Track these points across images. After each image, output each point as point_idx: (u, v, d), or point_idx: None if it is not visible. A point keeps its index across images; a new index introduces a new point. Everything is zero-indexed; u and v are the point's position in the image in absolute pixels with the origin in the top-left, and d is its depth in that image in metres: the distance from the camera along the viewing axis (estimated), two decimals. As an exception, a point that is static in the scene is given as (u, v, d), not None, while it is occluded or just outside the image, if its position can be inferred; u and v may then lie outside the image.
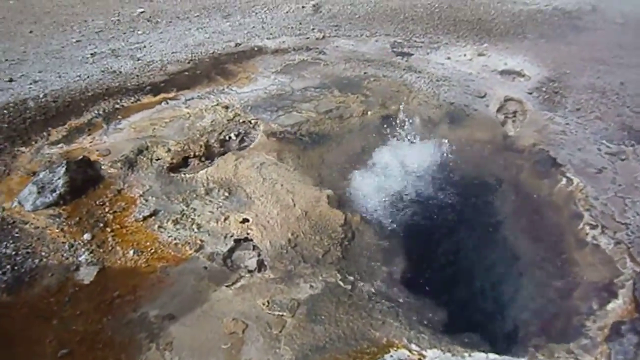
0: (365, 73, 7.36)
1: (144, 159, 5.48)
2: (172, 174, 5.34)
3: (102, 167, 5.31)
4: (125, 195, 4.98)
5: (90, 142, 5.70)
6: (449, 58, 7.87)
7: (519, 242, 4.97)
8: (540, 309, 4.27)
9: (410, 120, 6.20)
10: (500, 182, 5.65)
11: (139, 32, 8.88)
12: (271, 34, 8.84)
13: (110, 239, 4.45)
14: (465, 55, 7.96)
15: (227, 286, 4.07)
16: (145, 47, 8.22)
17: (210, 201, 4.94)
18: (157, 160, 5.52)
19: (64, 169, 4.94)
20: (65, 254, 4.25)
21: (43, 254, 4.24)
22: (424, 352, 3.54)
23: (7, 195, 4.86)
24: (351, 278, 4.24)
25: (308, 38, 8.73)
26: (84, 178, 5.02)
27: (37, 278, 4.03)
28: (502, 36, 8.74)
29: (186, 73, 7.42)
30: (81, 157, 5.25)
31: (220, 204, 4.91)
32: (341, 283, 4.15)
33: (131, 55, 7.96)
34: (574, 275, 4.39)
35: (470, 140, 6.23)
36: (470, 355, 3.51)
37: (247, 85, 7.04)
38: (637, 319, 3.72)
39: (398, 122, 6.15)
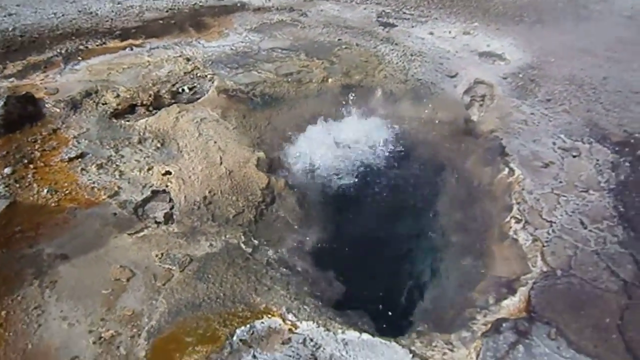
0: (339, 40, 7.17)
1: (90, 102, 5.50)
2: (113, 120, 5.36)
3: (46, 105, 5.35)
4: (60, 135, 5.02)
5: (42, 80, 5.73)
6: (431, 33, 7.59)
7: (444, 229, 4.87)
8: (440, 296, 4.21)
9: (370, 93, 6.06)
10: (445, 166, 5.51)
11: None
12: (260, -10, 8.65)
13: (30, 175, 4.51)
14: (450, 32, 7.67)
15: (128, 234, 4.10)
16: (128, -9, 8.14)
17: (140, 150, 4.95)
18: (103, 104, 5.53)
19: (2, 102, 4.98)
20: (-19, 185, 4.32)
21: (-40, 182, 4.32)
22: (297, 323, 3.53)
23: (-52, 121, 4.92)
24: (256, 242, 4.23)
25: (296, -1, 8.51)
26: (22, 113, 5.06)
27: (-54, 204, 4.12)
28: (497, 17, 8.37)
29: (161, 21, 7.35)
30: (24, 92, 5.28)
31: (150, 154, 4.91)
32: (243, 245, 4.15)
33: (113, -3, 7.90)
34: (485, 267, 4.31)
35: (428, 120, 6.07)
36: (343, 333, 3.49)
37: (216, 40, 6.94)
38: (524, 318, 3.63)
39: (356, 92, 6.00)
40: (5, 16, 6.99)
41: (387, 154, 5.48)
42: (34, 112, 5.17)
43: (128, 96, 5.68)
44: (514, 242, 4.30)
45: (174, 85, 5.94)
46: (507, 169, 5.08)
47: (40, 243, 3.93)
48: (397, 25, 7.78)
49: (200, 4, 8.02)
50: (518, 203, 4.64)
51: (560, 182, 4.85)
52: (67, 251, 3.90)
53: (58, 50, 6.32)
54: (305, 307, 3.71)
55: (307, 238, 4.50)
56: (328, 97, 6.08)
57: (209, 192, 4.58)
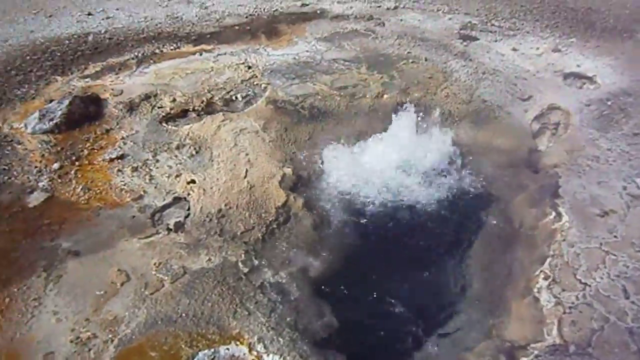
0: (408, 53, 6.81)
1: (147, 105, 5.84)
2: (163, 124, 5.62)
3: (108, 105, 5.78)
4: (111, 136, 5.41)
5: (112, 81, 6.20)
6: (514, 49, 6.90)
7: (466, 274, 4.40)
8: (430, 356, 3.80)
9: (426, 112, 5.69)
10: (490, 201, 4.98)
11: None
12: (345, -3, 8.51)
13: (73, 172, 4.91)
14: (537, 48, 6.91)
15: (138, 238, 4.28)
16: (221, -4, 8.45)
17: (175, 156, 5.15)
18: (158, 107, 5.84)
19: (68, 101, 5.49)
20: (30, 177, 4.81)
21: (15, 172, 4.85)
22: (264, 356, 3.43)
23: (22, 116, 5.57)
24: (256, 262, 4.19)
25: (379, 7, 8.27)
26: (83, 113, 5.53)
27: (-3, 192, 4.63)
28: (602, 32, 7.37)
29: (237, 27, 7.57)
30: (90, 93, 5.76)
31: (183, 160, 5.09)
32: (240, 264, 4.12)
33: (202, 3, 8.30)
34: (495, 325, 3.82)
35: (485, 147, 5.54)
36: (310, 374, 3.32)
37: (282, 48, 6.99)
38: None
39: (411, 112, 5.66)
40: (103, 19, 7.69)
41: (426, 183, 5.07)
42: (94, 112, 5.61)
43: (183, 101, 5.93)
44: (534, 302, 3.76)
45: (228, 92, 6.09)
46: (554, 213, 4.44)
47: (60, 237, 4.26)
48: (478, 39, 7.19)
49: (281, 10, 8.11)
50: (552, 256, 4.03)
51: (615, 236, 4.13)
52: (81, 248, 4.18)
53: (135, 53, 6.79)
54: (280, 339, 3.59)
55: (313, 265, 4.33)
56: (379, 114, 5.79)
57: (225, 205, 4.62)
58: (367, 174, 5.06)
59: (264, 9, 8.13)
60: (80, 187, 4.74)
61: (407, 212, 4.84)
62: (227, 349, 3.43)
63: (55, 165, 4.96)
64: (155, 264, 4.05)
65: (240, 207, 4.61)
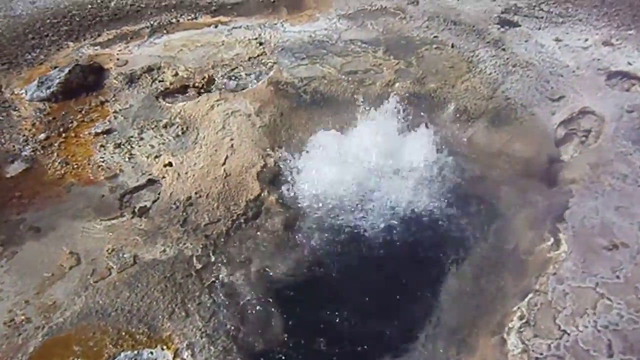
0: (434, 37, 6.19)
1: (148, 78, 5.69)
2: (159, 99, 5.46)
3: (109, 76, 5.68)
4: (104, 108, 5.32)
5: (120, 51, 6.09)
6: (558, 39, 6.09)
7: (442, 300, 3.92)
8: None
9: (439, 107, 5.16)
10: (491, 217, 4.43)
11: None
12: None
13: (56, 144, 4.87)
14: (585, 40, 6.05)
15: (101, 220, 4.18)
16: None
17: (161, 135, 4.98)
18: (159, 81, 5.69)
19: (67, 70, 5.43)
20: (15, 146, 4.82)
21: (2, 140, 4.87)
22: (188, 363, 3.24)
23: (25, 82, 5.59)
24: (212, 258, 3.98)
25: (419, -18, 7.56)
26: (81, 83, 5.47)
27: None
28: (672, 24, 6.34)
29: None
30: (92, 62, 5.68)
31: (166, 140, 4.92)
32: (194, 259, 3.93)
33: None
34: (456, 362, 3.39)
35: (499, 152, 4.95)
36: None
37: (301, 24, 6.58)
38: None
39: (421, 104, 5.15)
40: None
41: (422, 189, 4.59)
42: (93, 83, 5.53)
43: (185, 76, 5.72)
44: (501, 344, 3.28)
45: (232, 70, 5.82)
46: (552, 240, 3.86)
47: (27, 212, 4.24)
48: (520, 25, 6.41)
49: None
50: (536, 291, 3.50)
51: (618, 277, 3.52)
52: (42, 225, 4.14)
53: (151, 22, 6.63)
54: (212, 347, 3.38)
55: (275, 268, 4.04)
56: (385, 104, 5.30)
57: (196, 192, 4.42)
58: (348, 173, 4.62)
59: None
60: (60, 160, 4.69)
61: (393, 221, 4.40)
62: (151, 352, 3.26)
63: (42, 136, 4.94)
64: (108, 249, 3.94)
65: (210, 196, 4.38)
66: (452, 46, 5.99)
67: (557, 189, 4.44)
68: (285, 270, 4.06)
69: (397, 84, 5.50)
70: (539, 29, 6.32)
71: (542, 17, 6.57)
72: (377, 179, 4.61)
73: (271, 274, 4.02)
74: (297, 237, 4.26)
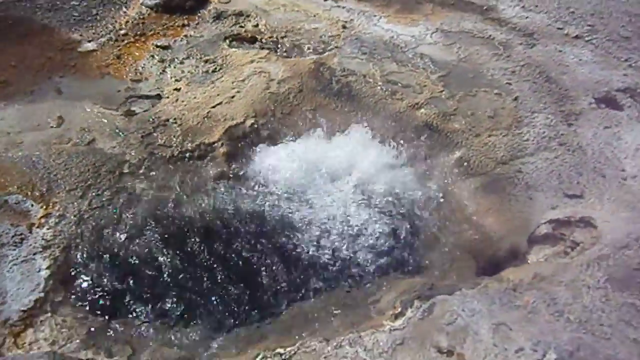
0: (507, 83, 5.62)
1: (233, 20, 6.40)
2: (225, 41, 6.13)
3: (207, 7, 6.54)
4: (181, 30, 6.23)
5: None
6: (645, 141, 5.00)
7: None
8: None
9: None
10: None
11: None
12: None
13: (125, 42, 5.94)
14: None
15: (100, 106, 5.10)
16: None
17: (196, 67, 5.69)
18: (239, 26, 6.36)
19: (175, -10, 6.45)
20: (102, 31, 6.01)
21: (98, 24, 6.09)
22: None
23: (151, -10, 6.76)
24: (140, 170, 4.60)
25: (561, 30, 6.76)
26: (179, 4, 6.44)
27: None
28: None
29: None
30: (200, -8, 6.60)
31: (195, 72, 5.59)
32: (126, 164, 4.61)
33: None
34: None
35: (466, 217, 4.54)
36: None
37: (396, 24, 6.54)
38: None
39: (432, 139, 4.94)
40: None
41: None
42: (189, 7, 6.46)
43: (261, 30, 6.29)
44: None
45: (299, 39, 6.17)
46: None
47: (64, 77, 5.36)
48: (622, 109, 5.41)
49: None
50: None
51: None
52: (65, 91, 5.22)
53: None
54: (77, 230, 4.04)
55: (183, 206, 4.47)
56: (391, 124, 5.17)
57: (174, 118, 5.05)
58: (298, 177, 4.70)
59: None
60: (116, 53, 5.73)
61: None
62: (32, 205, 4.05)
63: (122, 32, 6.03)
64: (83, 127, 4.81)
65: (182, 126, 4.97)
66: (515, 99, 5.37)
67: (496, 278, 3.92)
68: (189, 213, 4.46)
69: (422, 110, 5.25)
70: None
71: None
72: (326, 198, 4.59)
73: (175, 208, 4.45)
74: (218, 191, 4.59)
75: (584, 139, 4.93)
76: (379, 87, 5.48)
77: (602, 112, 5.30)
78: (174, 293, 3.89)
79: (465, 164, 4.82)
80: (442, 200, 4.55)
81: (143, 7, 6.38)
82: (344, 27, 6.38)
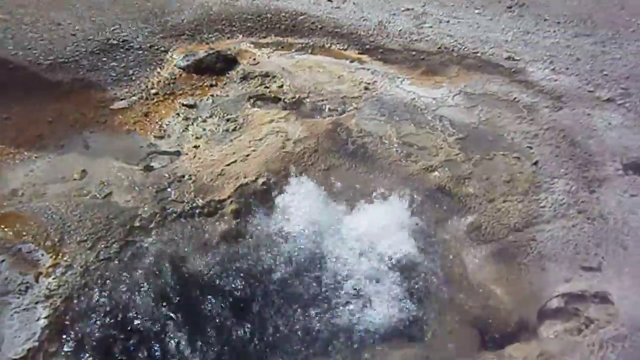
0: (528, 147, 5.48)
1: (259, 81, 6.65)
2: (249, 100, 6.37)
3: (236, 69, 6.85)
4: (208, 90, 6.50)
5: (261, 55, 7.19)
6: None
7: None
8: None
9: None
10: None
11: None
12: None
13: (155, 101, 6.25)
14: None
15: (122, 161, 5.35)
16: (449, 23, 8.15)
17: (218, 125, 5.89)
18: (264, 87, 6.60)
19: (206, 53, 6.83)
20: (135, 90, 6.36)
21: (132, 84, 6.48)
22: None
23: (184, 52, 7.17)
24: (151, 225, 4.73)
25: (592, 92, 6.60)
26: (210, 66, 6.75)
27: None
28: None
29: (416, 54, 7.36)
30: (231, 54, 6.94)
31: (216, 130, 5.78)
32: (137, 219, 4.76)
33: (420, 19, 8.24)
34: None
35: (475, 286, 4.36)
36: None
37: (419, 86, 6.61)
38: None
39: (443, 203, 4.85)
40: (332, 8, 8.57)
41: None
42: (219, 69, 6.77)
43: (285, 90, 6.49)
44: None
45: (321, 100, 6.31)
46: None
47: (94, 133, 5.66)
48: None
49: (483, 54, 7.36)
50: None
51: None
52: (92, 146, 5.49)
53: (307, 41, 7.52)
54: (81, 281, 4.17)
55: (190, 261, 4.55)
56: (404, 186, 5.11)
57: (190, 175, 5.20)
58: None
59: (467, 47, 7.54)
60: (145, 111, 6.03)
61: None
62: (42, 254, 4.22)
63: (153, 91, 6.37)
64: (102, 181, 5.03)
65: (195, 182, 5.10)
66: (535, 164, 5.21)
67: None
68: (197, 268, 4.52)
69: (435, 173, 5.17)
70: (670, 193, 4.92)
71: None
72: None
73: (179, 263, 4.52)
74: (221, 248, 4.63)
75: (607, 206, 4.67)
76: (394, 149, 5.46)
77: (629, 179, 5.03)
78: (172, 350, 3.86)
79: (477, 230, 4.62)
80: (449, 267, 4.37)
81: (176, 68, 6.73)
82: (366, 88, 6.48)
